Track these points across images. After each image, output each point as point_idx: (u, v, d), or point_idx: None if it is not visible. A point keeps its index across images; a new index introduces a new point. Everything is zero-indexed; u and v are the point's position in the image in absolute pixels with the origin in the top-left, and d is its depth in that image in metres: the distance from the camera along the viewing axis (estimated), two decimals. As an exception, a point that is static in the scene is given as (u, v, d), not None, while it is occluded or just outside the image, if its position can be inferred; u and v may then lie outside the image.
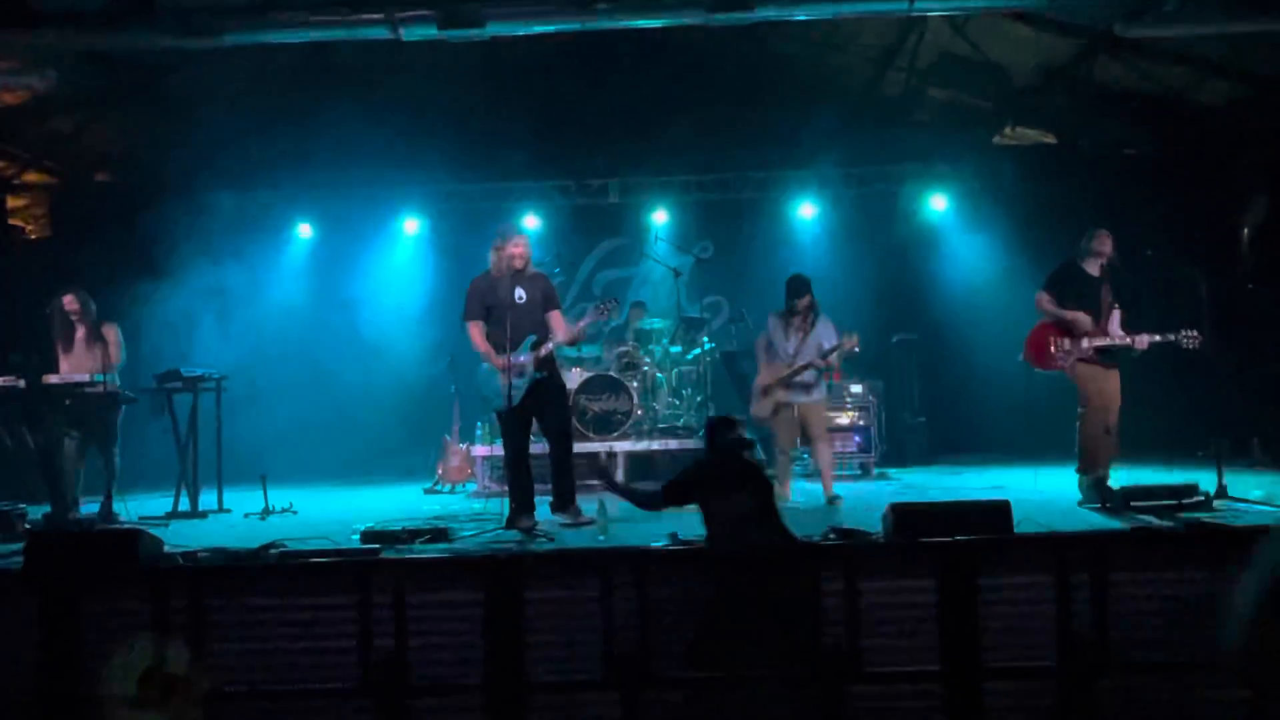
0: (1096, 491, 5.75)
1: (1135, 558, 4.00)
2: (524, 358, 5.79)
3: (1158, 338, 5.89)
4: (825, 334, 6.83)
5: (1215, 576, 3.98)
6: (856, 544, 4.20)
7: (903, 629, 3.95)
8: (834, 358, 6.86)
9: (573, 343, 6.09)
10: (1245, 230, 9.49)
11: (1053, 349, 6.09)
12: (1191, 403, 8.16)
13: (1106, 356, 6.03)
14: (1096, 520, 5.22)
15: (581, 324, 6.15)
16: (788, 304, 6.90)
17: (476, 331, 5.92)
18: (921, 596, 3.94)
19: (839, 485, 6.95)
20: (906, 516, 4.22)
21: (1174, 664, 3.93)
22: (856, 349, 6.79)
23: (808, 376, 6.82)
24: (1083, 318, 5.98)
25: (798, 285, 6.91)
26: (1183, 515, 5.09)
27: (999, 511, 4.23)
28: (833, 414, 8.55)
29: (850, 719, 3.89)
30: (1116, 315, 6.07)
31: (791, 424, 6.84)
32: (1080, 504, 5.83)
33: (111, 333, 6.84)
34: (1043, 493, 6.24)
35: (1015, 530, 4.21)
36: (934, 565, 3.96)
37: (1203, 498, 5.29)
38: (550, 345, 5.84)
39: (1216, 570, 3.99)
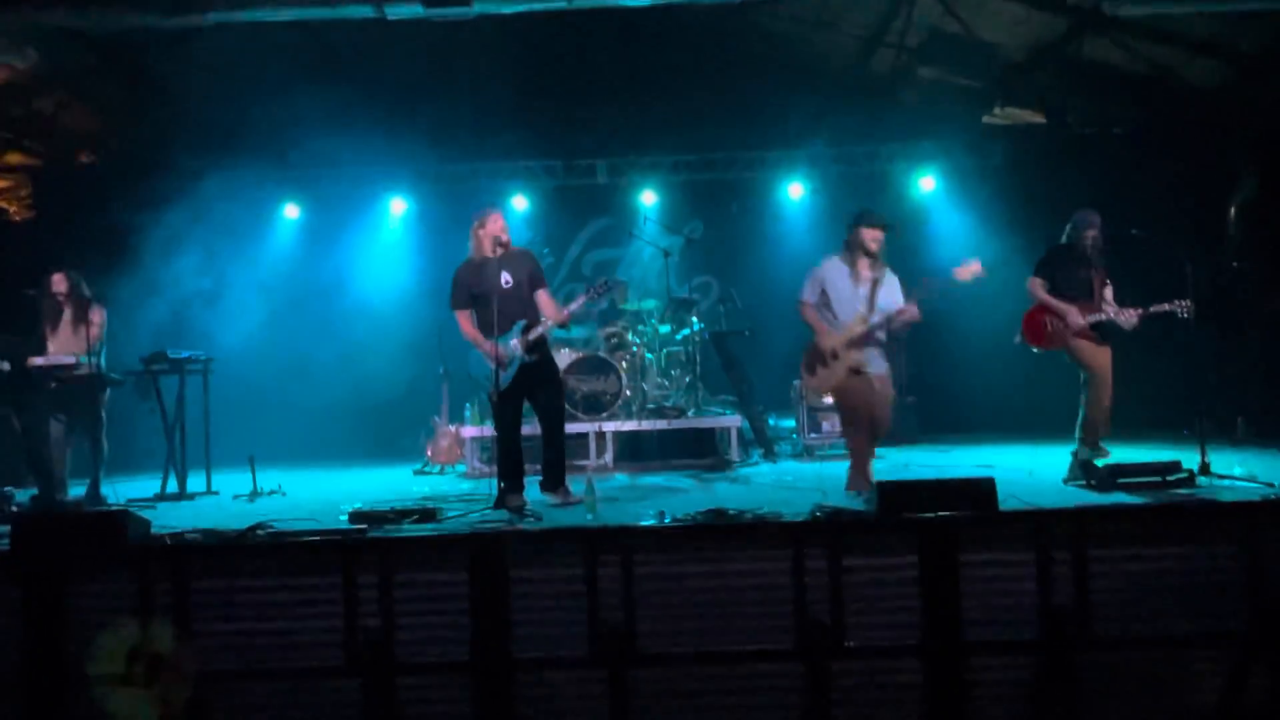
0: (1082, 469, 5.79)
1: (1116, 533, 4.03)
2: (513, 341, 5.78)
3: (1150, 309, 5.91)
4: (892, 292, 5.68)
5: (1196, 551, 4.02)
6: (840, 520, 4.22)
7: (886, 605, 3.98)
8: (915, 311, 5.53)
9: (562, 325, 6.08)
10: (1232, 209, 9.52)
11: (1049, 328, 6.12)
12: (1177, 381, 8.21)
13: (1100, 333, 6.06)
14: (1082, 497, 5.25)
15: (572, 306, 6.13)
16: (850, 240, 5.71)
17: (465, 320, 5.91)
18: (905, 573, 3.97)
19: (832, 465, 6.92)
20: (893, 494, 4.24)
21: (1154, 638, 3.97)
22: (980, 274, 5.48)
23: (879, 337, 5.65)
24: (1073, 312, 6.00)
25: (876, 216, 5.69)
26: (1166, 492, 5.14)
27: (984, 489, 4.25)
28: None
29: (833, 694, 3.93)
30: (1109, 291, 6.10)
31: (869, 396, 5.63)
32: (1065, 481, 5.86)
33: (97, 315, 6.81)
34: (1030, 471, 6.28)
35: (1000, 507, 4.23)
36: (917, 542, 3.99)
37: (1186, 474, 5.33)
38: (540, 329, 5.81)
39: (1197, 545, 4.03)
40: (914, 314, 5.58)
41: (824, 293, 5.74)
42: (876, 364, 5.68)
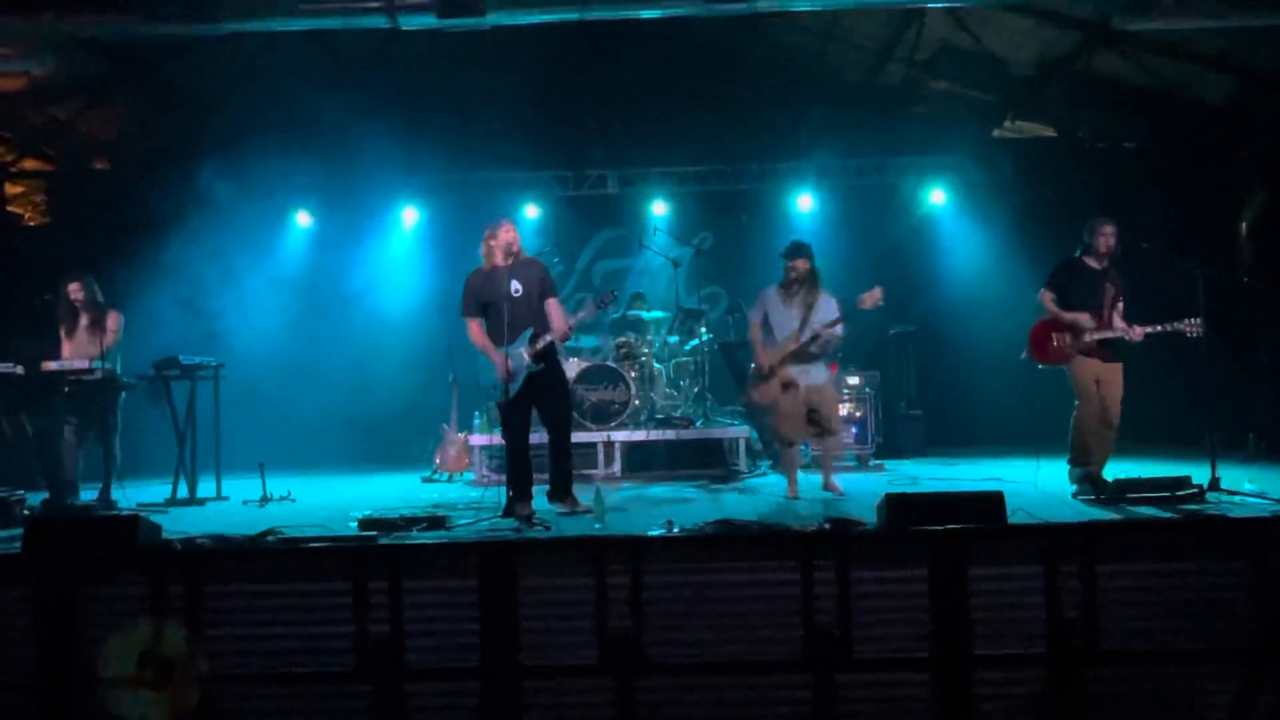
0: (1091, 483, 5.77)
1: (1125, 547, 4.02)
2: (521, 349, 5.79)
3: (1158, 328, 5.90)
4: (827, 310, 6.34)
5: (1205, 567, 4.01)
6: (849, 532, 4.22)
7: (894, 617, 3.97)
8: (840, 328, 6.26)
9: (565, 338, 6.10)
10: (1243, 224, 9.50)
11: (1055, 343, 6.10)
12: (1189, 396, 8.18)
13: (1108, 350, 6.04)
14: (1090, 512, 5.23)
15: (578, 317, 6.16)
16: (784, 272, 6.43)
17: (475, 328, 5.93)
18: (913, 585, 3.97)
19: (840, 476, 6.90)
20: (901, 506, 4.24)
21: (1163, 652, 3.96)
22: (880, 302, 6.19)
23: (813, 351, 6.31)
24: (1083, 319, 6.00)
25: (793, 249, 6.40)
26: (1176, 507, 5.12)
27: (993, 502, 4.25)
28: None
29: (840, 706, 3.92)
30: (1121, 307, 6.08)
31: (799, 409, 6.31)
32: (1074, 496, 5.85)
33: (113, 320, 6.85)
34: (1039, 485, 6.26)
35: (1009, 521, 4.23)
36: (925, 554, 3.98)
37: (1196, 489, 5.31)
38: (546, 338, 5.83)
39: (1206, 561, 4.02)
40: (836, 333, 6.31)
41: (767, 316, 6.45)
42: (811, 375, 6.33)
